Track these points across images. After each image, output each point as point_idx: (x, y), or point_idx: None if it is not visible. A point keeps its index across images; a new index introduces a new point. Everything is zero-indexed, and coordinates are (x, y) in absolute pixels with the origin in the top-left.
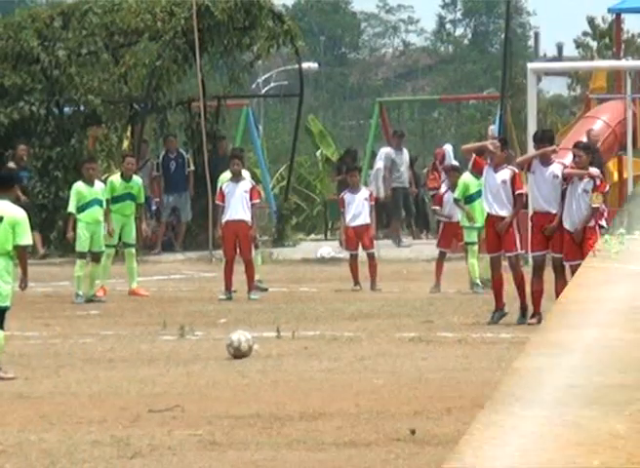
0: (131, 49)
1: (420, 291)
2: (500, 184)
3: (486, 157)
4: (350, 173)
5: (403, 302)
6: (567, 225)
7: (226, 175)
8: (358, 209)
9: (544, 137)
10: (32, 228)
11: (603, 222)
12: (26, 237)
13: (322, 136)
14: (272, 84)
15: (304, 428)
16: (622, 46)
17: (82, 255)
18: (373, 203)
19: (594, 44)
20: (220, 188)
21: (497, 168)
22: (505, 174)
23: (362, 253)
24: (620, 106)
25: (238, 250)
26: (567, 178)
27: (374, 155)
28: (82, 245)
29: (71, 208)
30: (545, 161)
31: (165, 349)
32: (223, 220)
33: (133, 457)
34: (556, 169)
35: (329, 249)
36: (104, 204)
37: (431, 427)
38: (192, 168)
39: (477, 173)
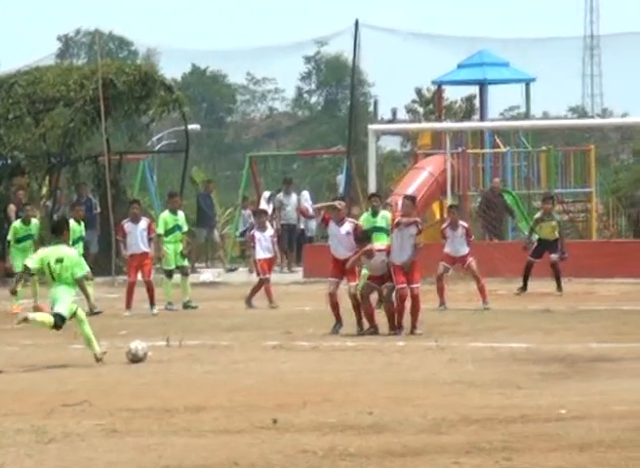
0: (49, 113)
1: (282, 308)
2: (344, 235)
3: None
4: (258, 215)
5: (268, 317)
6: (397, 262)
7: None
8: (267, 244)
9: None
10: None
11: None
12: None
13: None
14: (164, 142)
15: (188, 419)
16: (443, 111)
17: None
18: (276, 239)
19: (421, 109)
20: (122, 226)
21: (340, 222)
22: (348, 226)
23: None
24: (442, 159)
25: (140, 274)
26: (398, 225)
27: (245, 199)
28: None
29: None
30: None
31: (76, 355)
32: (129, 253)
33: (49, 443)
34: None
35: (209, 274)
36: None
37: (290, 417)
38: (99, 210)
39: (324, 226)
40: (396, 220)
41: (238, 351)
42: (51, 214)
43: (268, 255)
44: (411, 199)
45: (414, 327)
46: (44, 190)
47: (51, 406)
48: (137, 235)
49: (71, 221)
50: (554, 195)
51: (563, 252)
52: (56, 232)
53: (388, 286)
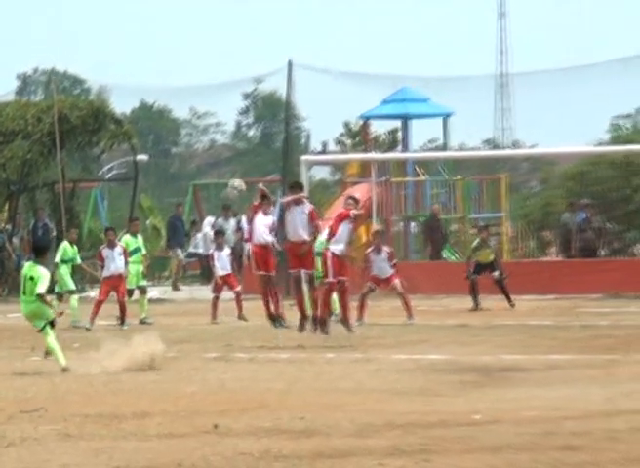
0: (8, 145)
1: (222, 323)
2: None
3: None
4: (216, 235)
5: (209, 331)
6: (337, 251)
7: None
8: (224, 262)
9: (296, 186)
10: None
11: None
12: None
13: (151, 210)
14: (114, 171)
15: (135, 424)
16: (369, 143)
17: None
18: (232, 257)
19: (349, 141)
20: (100, 252)
21: (300, 203)
22: (307, 206)
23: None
24: (368, 187)
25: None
26: (355, 217)
27: (194, 223)
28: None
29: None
30: (299, 202)
31: (33, 366)
32: (107, 274)
33: (7, 446)
34: (306, 208)
35: (155, 292)
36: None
37: (230, 423)
38: (54, 234)
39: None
40: (354, 212)
41: (182, 362)
42: (10, 237)
43: (225, 273)
44: (354, 199)
45: (347, 320)
46: (4, 215)
47: (9, 412)
48: (114, 259)
49: (66, 243)
50: (488, 225)
51: (502, 273)
52: (38, 253)
53: (308, 273)
